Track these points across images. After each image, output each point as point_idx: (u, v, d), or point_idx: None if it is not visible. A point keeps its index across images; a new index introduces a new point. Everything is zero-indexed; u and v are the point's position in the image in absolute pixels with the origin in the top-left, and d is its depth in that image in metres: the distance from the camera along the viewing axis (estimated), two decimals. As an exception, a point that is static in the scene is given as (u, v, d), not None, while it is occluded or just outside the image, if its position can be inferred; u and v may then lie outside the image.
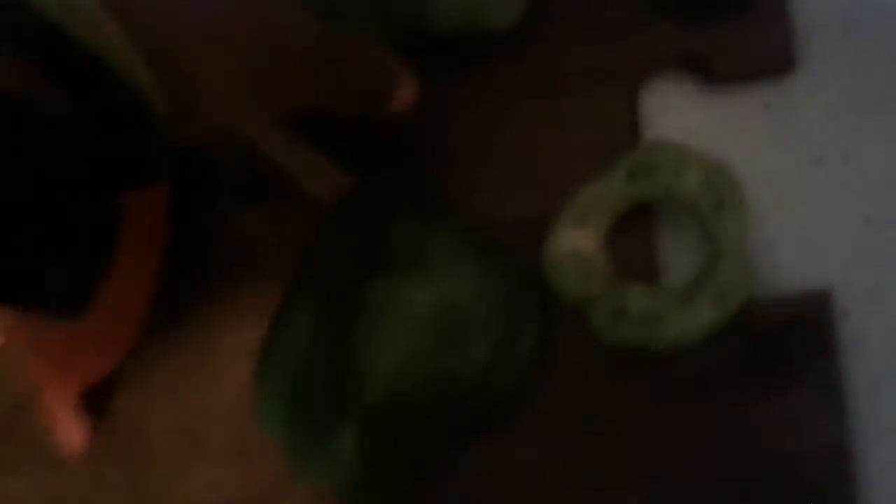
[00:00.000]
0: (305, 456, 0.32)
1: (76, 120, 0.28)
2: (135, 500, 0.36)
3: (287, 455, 0.33)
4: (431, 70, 0.34)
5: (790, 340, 0.32)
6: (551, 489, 0.33)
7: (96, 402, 0.37)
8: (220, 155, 0.37)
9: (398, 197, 0.34)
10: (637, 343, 0.33)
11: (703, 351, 0.33)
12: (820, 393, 0.32)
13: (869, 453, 0.32)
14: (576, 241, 0.34)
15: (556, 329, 0.34)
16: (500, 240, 0.34)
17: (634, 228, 0.34)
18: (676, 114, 0.35)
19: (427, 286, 0.32)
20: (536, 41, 0.35)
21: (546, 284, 0.34)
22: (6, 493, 0.37)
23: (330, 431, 0.32)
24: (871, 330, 0.33)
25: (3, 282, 0.28)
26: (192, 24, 0.30)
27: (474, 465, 0.34)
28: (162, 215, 0.35)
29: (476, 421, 0.34)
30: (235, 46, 0.30)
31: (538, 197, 0.34)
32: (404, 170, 0.35)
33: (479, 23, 0.34)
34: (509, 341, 0.33)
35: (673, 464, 0.33)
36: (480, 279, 0.33)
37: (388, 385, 0.32)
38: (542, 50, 0.35)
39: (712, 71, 0.34)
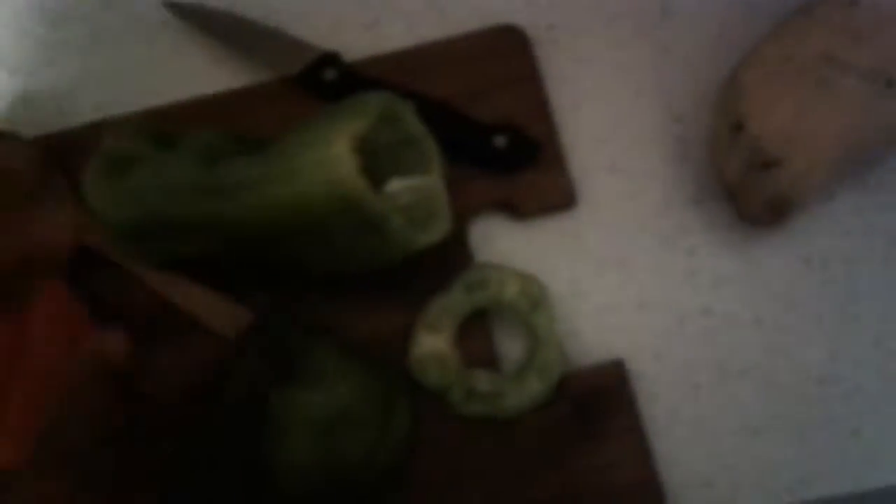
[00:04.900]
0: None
1: None
2: None
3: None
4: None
5: (598, 400, 0.43)
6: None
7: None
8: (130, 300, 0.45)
9: (290, 325, 0.43)
10: (486, 414, 0.42)
11: (536, 416, 0.42)
12: (627, 439, 0.42)
13: (670, 482, 0.42)
14: (431, 343, 0.43)
15: (422, 412, 0.43)
16: (372, 349, 0.43)
17: (475, 329, 0.44)
18: (497, 241, 0.46)
19: (320, 393, 0.41)
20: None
21: (411, 378, 0.43)
22: None
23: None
24: (658, 385, 0.44)
25: None
26: None
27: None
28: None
29: (367, 496, 0.42)
30: None
31: (400, 312, 0.44)
32: (290, 304, 0.45)
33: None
34: (387, 427, 0.42)
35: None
36: (361, 381, 0.42)
37: (298, 475, 0.40)
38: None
39: (518, 209, 0.46)
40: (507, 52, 0.49)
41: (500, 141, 0.46)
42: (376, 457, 0.41)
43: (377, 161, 0.42)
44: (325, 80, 0.49)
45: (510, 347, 0.45)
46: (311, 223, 0.39)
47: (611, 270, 0.46)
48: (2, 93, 0.54)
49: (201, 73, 0.52)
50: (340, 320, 0.44)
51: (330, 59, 0.49)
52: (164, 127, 0.45)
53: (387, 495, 0.42)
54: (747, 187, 0.43)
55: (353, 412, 0.41)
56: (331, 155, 0.38)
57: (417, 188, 0.43)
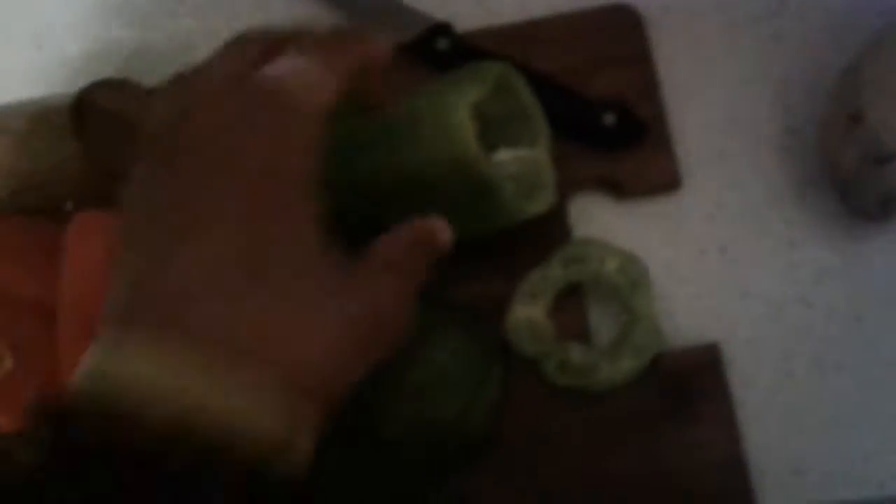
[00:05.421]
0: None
1: None
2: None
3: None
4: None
5: (691, 381, 0.43)
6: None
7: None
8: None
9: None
10: (578, 386, 0.43)
11: (627, 392, 0.43)
12: (716, 421, 0.43)
13: (758, 465, 0.42)
14: (528, 312, 0.44)
15: (514, 379, 0.44)
16: (475, 314, 0.44)
17: (571, 302, 0.45)
18: (597, 218, 0.47)
19: (420, 354, 0.42)
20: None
21: (507, 345, 0.44)
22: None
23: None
24: (751, 371, 0.44)
25: None
26: None
27: (455, 493, 0.43)
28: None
29: (457, 456, 0.43)
30: None
31: (498, 282, 0.45)
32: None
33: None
34: (481, 391, 0.42)
35: (607, 480, 0.42)
36: (460, 345, 0.43)
37: (397, 429, 0.41)
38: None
39: (620, 188, 0.47)
40: (619, 30, 0.49)
41: (608, 118, 0.46)
42: (469, 419, 0.42)
43: (487, 130, 0.42)
44: (437, 50, 0.50)
45: (601, 323, 0.45)
46: (427, 187, 0.40)
47: (711, 256, 0.46)
48: (119, 45, 0.56)
49: (314, 36, 0.53)
50: (440, 287, 0.45)
51: (442, 29, 0.50)
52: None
53: (476, 456, 0.43)
54: (861, 181, 0.42)
55: (451, 374, 0.42)
56: (453, 121, 0.39)
57: (525, 159, 0.44)
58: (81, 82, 0.51)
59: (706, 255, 0.46)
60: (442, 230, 0.33)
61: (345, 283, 0.29)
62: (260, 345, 0.27)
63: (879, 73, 0.42)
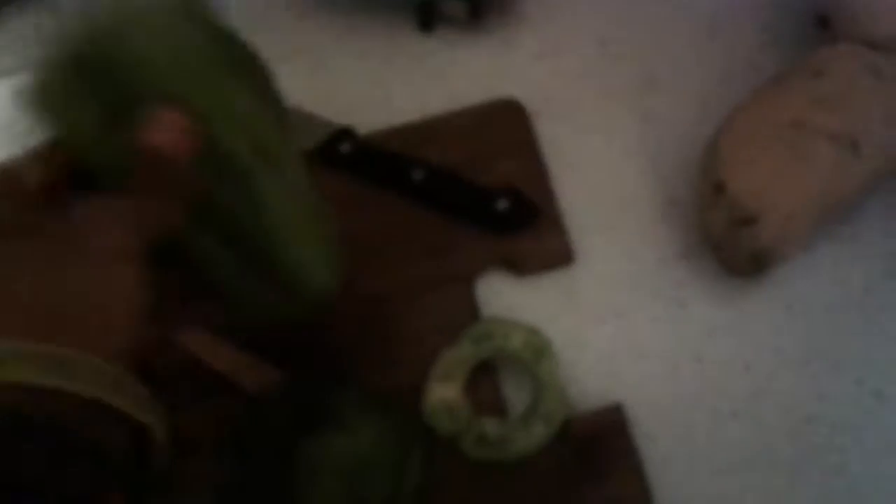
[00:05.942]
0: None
1: None
2: None
3: None
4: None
5: (599, 442, 0.46)
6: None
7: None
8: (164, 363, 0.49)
9: (318, 380, 0.47)
10: (496, 458, 0.46)
11: (542, 458, 0.46)
12: (627, 478, 0.45)
13: (668, 518, 0.45)
14: (444, 393, 0.47)
15: (436, 456, 0.46)
16: (392, 400, 0.47)
17: (485, 378, 0.48)
18: (501, 296, 0.50)
19: (343, 441, 0.44)
20: (401, 261, 0.51)
21: (427, 426, 0.46)
22: None
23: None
24: (655, 427, 0.47)
25: None
26: None
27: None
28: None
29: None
30: None
31: (414, 367, 0.48)
32: (321, 363, 0.48)
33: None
34: (405, 472, 0.45)
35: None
36: (381, 430, 0.45)
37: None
38: (410, 262, 0.51)
39: (520, 267, 0.50)
40: (507, 122, 0.54)
41: (502, 204, 0.50)
42: (395, 501, 0.44)
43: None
44: (341, 153, 0.53)
45: (516, 394, 0.48)
46: None
47: (608, 322, 0.49)
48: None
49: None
50: (360, 374, 0.48)
51: (345, 133, 0.54)
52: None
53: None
54: (730, 242, 0.46)
55: (374, 459, 0.44)
56: None
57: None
58: None
59: (603, 321, 0.49)
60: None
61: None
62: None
63: (734, 146, 0.47)
